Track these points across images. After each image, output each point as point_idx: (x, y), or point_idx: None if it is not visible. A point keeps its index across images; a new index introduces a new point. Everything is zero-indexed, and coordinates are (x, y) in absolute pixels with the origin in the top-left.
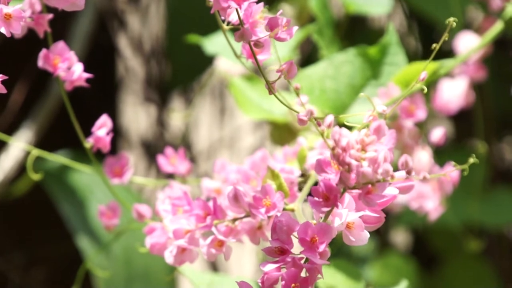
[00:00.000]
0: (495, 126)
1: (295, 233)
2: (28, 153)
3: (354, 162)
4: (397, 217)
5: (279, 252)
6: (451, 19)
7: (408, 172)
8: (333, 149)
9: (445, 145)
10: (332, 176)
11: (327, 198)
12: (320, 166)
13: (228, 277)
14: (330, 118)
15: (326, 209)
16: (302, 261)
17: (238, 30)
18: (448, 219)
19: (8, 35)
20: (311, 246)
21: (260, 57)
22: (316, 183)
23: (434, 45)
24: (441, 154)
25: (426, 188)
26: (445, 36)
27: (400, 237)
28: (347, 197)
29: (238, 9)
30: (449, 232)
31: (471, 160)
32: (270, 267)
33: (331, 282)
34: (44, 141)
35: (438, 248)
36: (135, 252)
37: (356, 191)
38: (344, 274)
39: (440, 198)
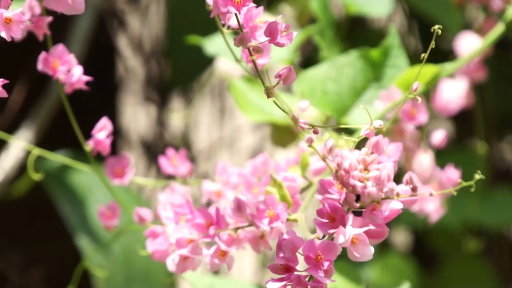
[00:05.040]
0: (495, 126)
1: (300, 250)
2: (28, 153)
3: (358, 184)
4: (397, 218)
5: (284, 269)
6: (436, 26)
7: (413, 189)
8: (336, 171)
9: (445, 145)
10: (335, 196)
11: (333, 219)
12: (324, 187)
13: (228, 279)
14: (330, 143)
15: (332, 231)
16: (307, 279)
17: (238, 33)
18: (448, 219)
19: (8, 39)
20: (316, 263)
21: (259, 61)
22: None
23: (432, 42)
24: (441, 154)
25: (427, 190)
26: (433, 40)
27: (400, 237)
28: (351, 215)
29: (237, 14)
30: (449, 232)
31: (477, 176)
32: (275, 285)
33: (332, 284)
34: (44, 141)
35: (438, 248)
36: (134, 252)
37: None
38: (344, 276)
39: (441, 200)
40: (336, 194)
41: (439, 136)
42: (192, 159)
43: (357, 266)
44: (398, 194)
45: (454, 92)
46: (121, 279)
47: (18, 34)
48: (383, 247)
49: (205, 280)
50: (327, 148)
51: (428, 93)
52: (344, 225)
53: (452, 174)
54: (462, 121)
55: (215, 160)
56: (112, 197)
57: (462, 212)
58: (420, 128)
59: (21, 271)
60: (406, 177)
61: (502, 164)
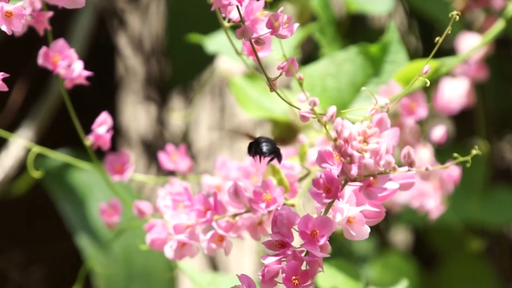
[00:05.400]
0: (496, 125)
1: (296, 227)
2: (28, 152)
3: (356, 154)
4: (398, 216)
5: (280, 245)
6: (454, 12)
7: (410, 164)
8: (335, 140)
9: (446, 144)
10: (333, 168)
11: (329, 189)
12: (322, 157)
13: (228, 276)
14: (332, 110)
15: (327, 201)
16: (303, 254)
17: (239, 27)
18: (448, 218)
19: (9, 32)
20: (311, 239)
21: (261, 54)
22: None
23: (436, 38)
24: (442, 153)
25: (427, 187)
26: (448, 29)
27: (400, 236)
28: (348, 191)
29: (239, 6)
30: (450, 231)
31: (474, 151)
32: (270, 260)
33: (331, 282)
34: (44, 140)
35: (438, 247)
36: (134, 251)
37: (357, 183)
38: (344, 274)
39: (441, 196)
40: (334, 165)
41: (439, 132)
42: (192, 158)
43: (357, 264)
44: (395, 169)
45: (455, 92)
46: (121, 278)
47: (18, 27)
48: (383, 246)
49: (205, 277)
50: (329, 115)
51: (429, 92)
52: (338, 198)
53: (453, 170)
54: (463, 121)
55: (215, 159)
56: (112, 196)
57: (463, 211)
58: (420, 125)
59: (21, 270)
60: (404, 151)
61: (503, 163)
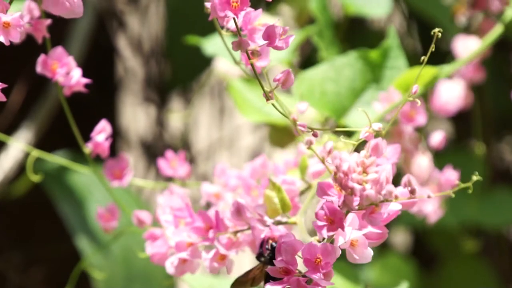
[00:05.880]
0: (494, 126)
1: (300, 253)
2: (27, 154)
3: (357, 186)
4: (397, 218)
5: (284, 272)
6: (436, 30)
7: (412, 192)
8: (335, 174)
9: (445, 146)
10: (335, 199)
11: (332, 221)
12: (323, 189)
13: (227, 280)
14: (329, 145)
15: (331, 233)
16: (306, 282)
17: (237, 36)
18: (447, 219)
19: (6, 43)
20: (315, 266)
21: (258, 64)
22: None
23: (433, 39)
24: (440, 155)
25: (425, 192)
26: (433, 43)
27: (400, 238)
28: (350, 216)
29: (235, 19)
30: (449, 233)
31: (474, 178)
32: None
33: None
34: (44, 142)
35: (438, 249)
36: (134, 253)
37: (360, 211)
38: (342, 276)
39: (439, 201)
40: (335, 196)
41: (437, 137)
42: (191, 159)
43: (356, 266)
44: (396, 197)
45: (453, 93)
46: (120, 279)
47: (16, 38)
48: (383, 248)
49: (204, 281)
50: (326, 151)
51: (427, 94)
52: (343, 228)
53: (451, 175)
54: (461, 122)
55: (214, 161)
56: (111, 198)
57: (462, 212)
58: (418, 129)
59: (21, 271)
60: (404, 179)
61: (502, 164)
